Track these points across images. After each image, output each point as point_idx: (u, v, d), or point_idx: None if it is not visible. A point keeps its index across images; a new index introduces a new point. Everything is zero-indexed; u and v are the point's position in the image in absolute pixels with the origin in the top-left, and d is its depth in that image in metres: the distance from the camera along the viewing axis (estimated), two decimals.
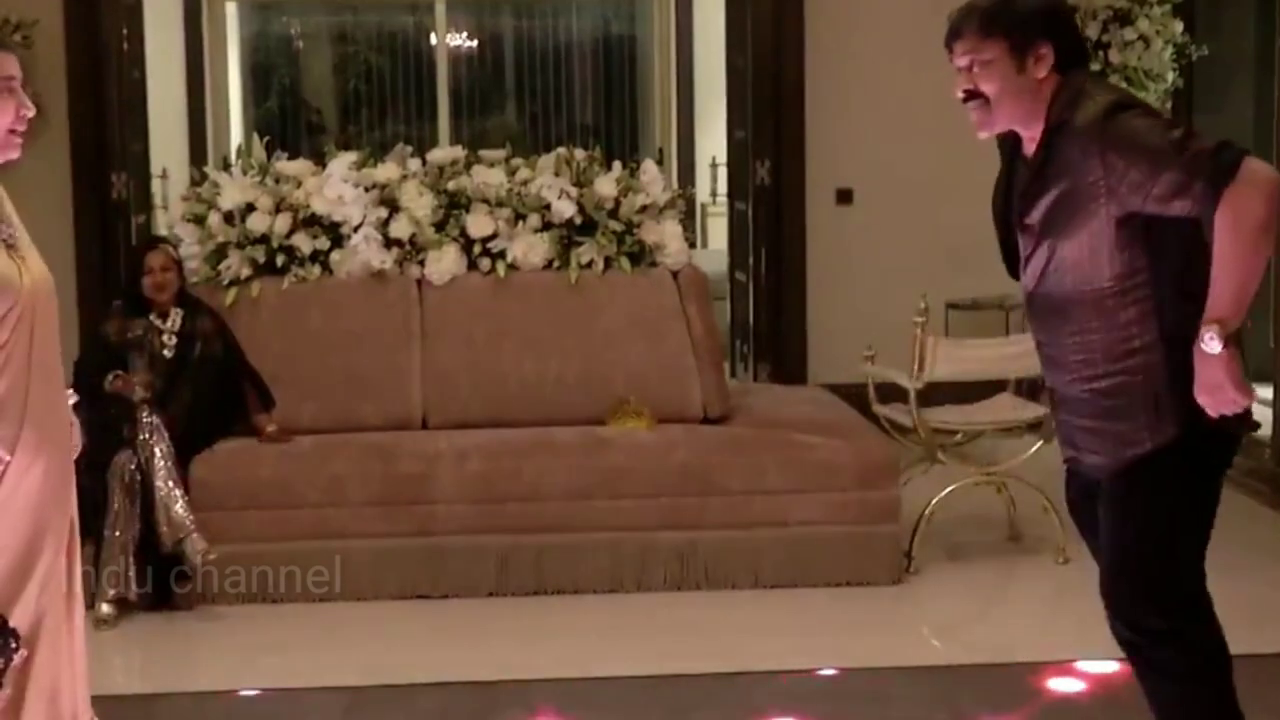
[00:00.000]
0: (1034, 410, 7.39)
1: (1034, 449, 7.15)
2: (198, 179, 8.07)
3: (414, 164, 7.71)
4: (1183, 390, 3.68)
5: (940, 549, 7.17)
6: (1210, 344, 3.58)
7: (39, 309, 3.71)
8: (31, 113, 3.71)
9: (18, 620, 3.66)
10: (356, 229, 7.39)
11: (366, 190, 7.48)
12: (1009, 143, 4.04)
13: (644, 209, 7.50)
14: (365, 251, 7.33)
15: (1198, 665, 3.95)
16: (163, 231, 8.71)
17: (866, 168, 9.67)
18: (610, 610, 6.45)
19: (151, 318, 6.95)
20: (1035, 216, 3.88)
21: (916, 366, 6.84)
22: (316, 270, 7.43)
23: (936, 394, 7.16)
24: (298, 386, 7.08)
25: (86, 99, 9.37)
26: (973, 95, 3.89)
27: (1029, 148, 3.92)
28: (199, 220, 7.65)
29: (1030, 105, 3.85)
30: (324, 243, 7.44)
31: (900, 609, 6.64)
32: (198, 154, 11.16)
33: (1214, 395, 3.62)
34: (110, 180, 9.48)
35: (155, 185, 10.08)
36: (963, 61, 3.88)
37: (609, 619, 6.37)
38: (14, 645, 3.65)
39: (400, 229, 7.39)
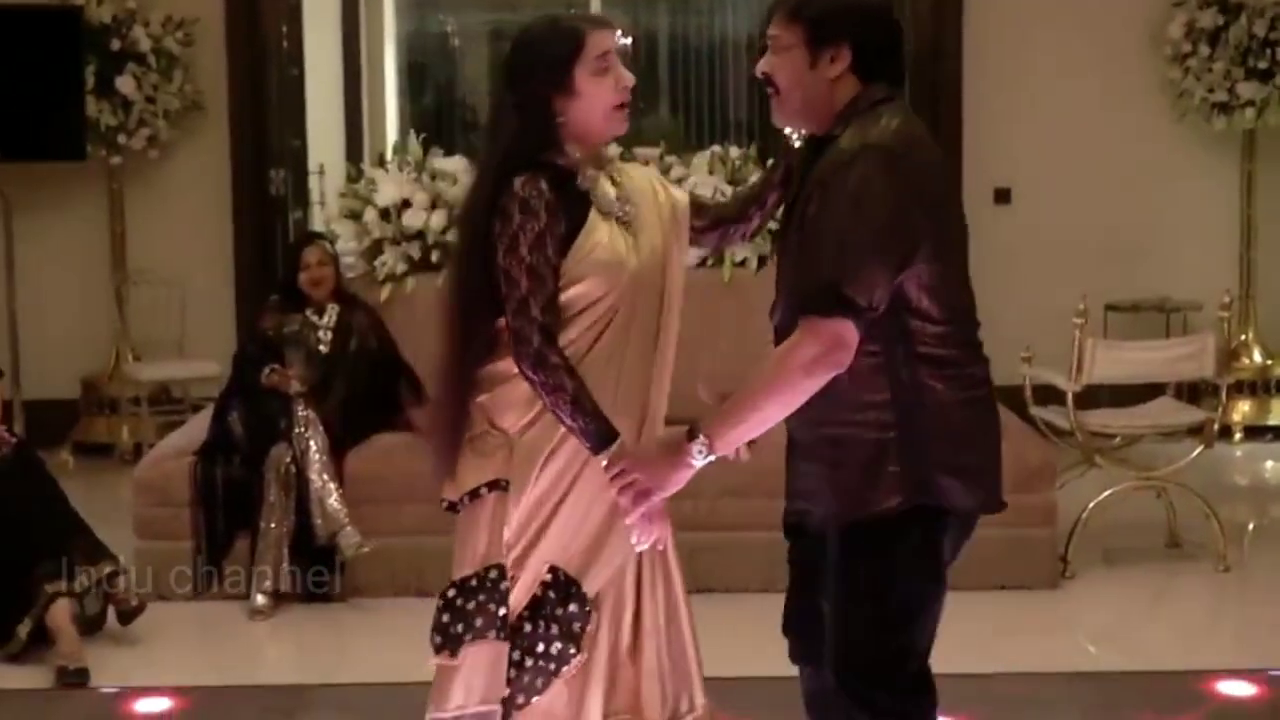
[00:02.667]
0: (1195, 414, 7.28)
1: (1195, 453, 7.03)
2: (354, 175, 8.13)
3: None
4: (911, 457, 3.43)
5: (1097, 554, 7.07)
6: (697, 456, 3.41)
7: (642, 293, 3.71)
8: (631, 82, 3.70)
9: (590, 586, 3.74)
10: None
11: None
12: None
13: None
14: None
15: None
16: (320, 227, 8.79)
17: (1025, 167, 9.57)
18: (766, 609, 6.40)
19: (308, 313, 7.01)
20: (788, 229, 3.58)
21: (1075, 369, 6.74)
22: None
23: (1095, 397, 7.06)
24: None
25: (246, 96, 9.49)
26: (769, 80, 3.57)
27: None
28: (355, 216, 7.71)
29: (822, 107, 3.51)
30: None
31: (1056, 614, 6.55)
32: (354, 151, 11.22)
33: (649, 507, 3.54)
34: (269, 176, 9.60)
35: (313, 181, 10.17)
36: (767, 41, 3.56)
37: (764, 618, 6.32)
38: (587, 610, 3.73)
39: None
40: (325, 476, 6.55)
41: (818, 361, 3.32)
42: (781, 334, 3.55)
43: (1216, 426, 7.14)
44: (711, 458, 3.42)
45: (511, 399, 3.68)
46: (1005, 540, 6.58)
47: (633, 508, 3.51)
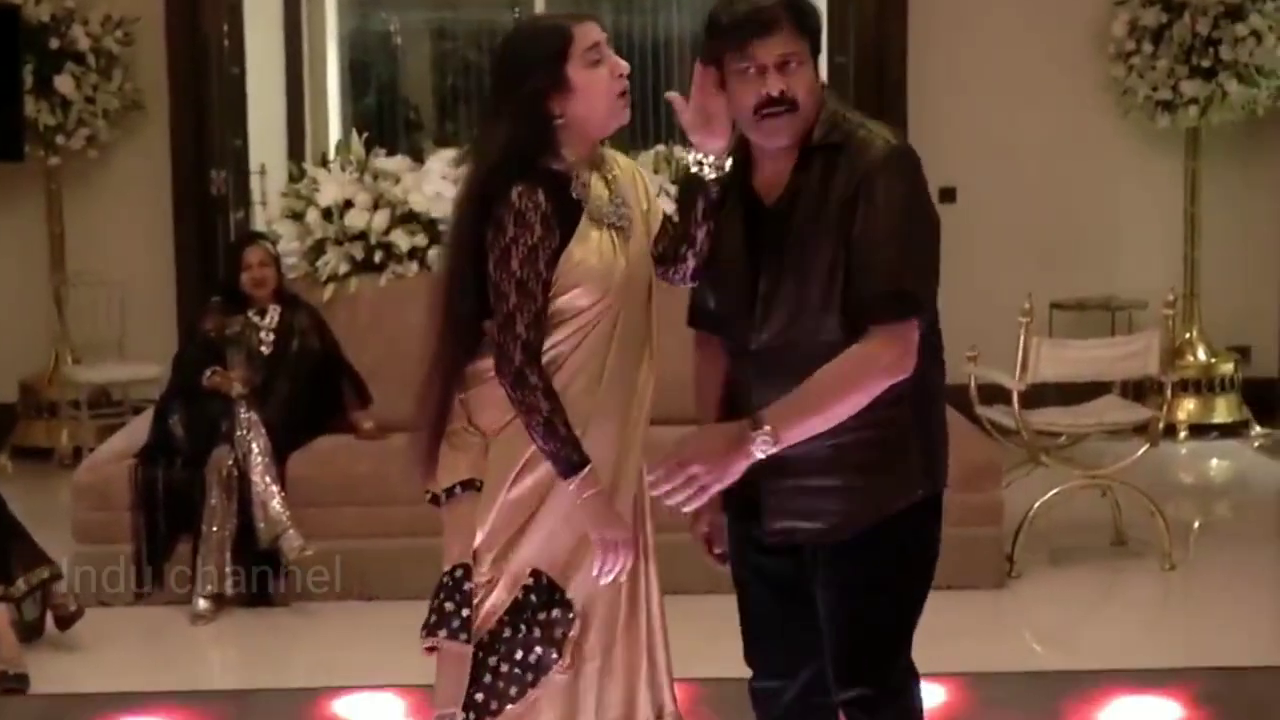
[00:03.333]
0: (1140, 412, 7.28)
1: (1140, 452, 7.04)
2: (296, 175, 8.09)
3: None
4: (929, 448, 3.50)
5: (1043, 553, 7.07)
6: (761, 447, 3.27)
7: (631, 293, 3.70)
8: (626, 69, 3.67)
9: (574, 592, 3.71)
10: None
11: None
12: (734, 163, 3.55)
13: None
14: None
15: None
16: (261, 228, 8.73)
17: (969, 166, 9.55)
18: (708, 611, 6.39)
19: (250, 314, 6.96)
20: (785, 244, 3.44)
21: (1020, 367, 6.74)
22: (414, 267, 7.43)
23: (1040, 395, 7.06)
24: (395, 383, 6.99)
25: (187, 95, 9.42)
26: (786, 99, 3.37)
27: (769, 167, 3.49)
28: (297, 216, 7.67)
29: (813, 117, 3.44)
30: (422, 240, 7.43)
31: (1002, 613, 6.56)
32: (296, 150, 11.14)
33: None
34: (210, 176, 9.52)
35: (254, 181, 10.08)
36: (773, 60, 3.35)
37: (707, 620, 6.30)
38: (570, 616, 3.70)
39: None
40: (268, 479, 6.50)
41: (895, 366, 3.32)
42: (773, 353, 3.46)
43: (1161, 425, 7.16)
44: (775, 449, 3.31)
45: (490, 399, 3.67)
46: (951, 540, 6.46)
47: (692, 503, 3.32)
